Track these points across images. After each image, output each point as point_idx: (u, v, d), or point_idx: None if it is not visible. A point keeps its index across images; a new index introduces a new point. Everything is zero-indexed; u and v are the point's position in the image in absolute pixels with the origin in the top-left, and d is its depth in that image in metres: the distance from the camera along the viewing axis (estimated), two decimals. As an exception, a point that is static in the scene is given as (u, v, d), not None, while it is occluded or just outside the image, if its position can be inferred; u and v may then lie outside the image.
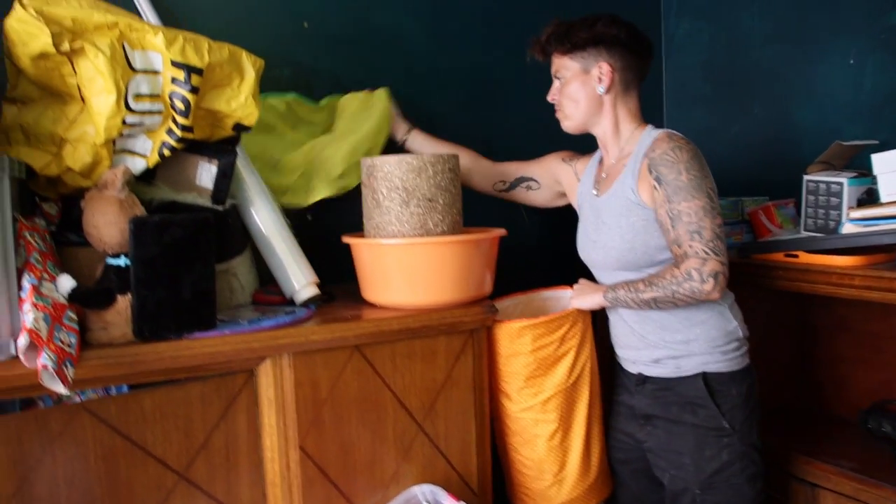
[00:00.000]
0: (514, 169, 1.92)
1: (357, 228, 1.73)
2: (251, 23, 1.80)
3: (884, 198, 1.61)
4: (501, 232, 1.68)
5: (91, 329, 1.26)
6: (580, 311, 1.69)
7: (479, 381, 1.64)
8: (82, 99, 1.32)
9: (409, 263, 1.56)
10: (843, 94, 2.01)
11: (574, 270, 1.84)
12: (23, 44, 1.26)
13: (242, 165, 1.58)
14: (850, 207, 1.68)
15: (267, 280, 1.63)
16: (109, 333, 1.27)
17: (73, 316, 1.22)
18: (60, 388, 1.10)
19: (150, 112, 1.36)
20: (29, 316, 1.12)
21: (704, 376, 1.59)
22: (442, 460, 1.60)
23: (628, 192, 1.59)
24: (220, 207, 1.50)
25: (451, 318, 1.57)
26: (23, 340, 1.09)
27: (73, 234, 1.36)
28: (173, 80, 1.37)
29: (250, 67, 1.47)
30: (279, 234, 1.58)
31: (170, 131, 1.40)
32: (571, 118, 1.69)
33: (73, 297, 1.22)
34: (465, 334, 1.61)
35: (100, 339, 1.26)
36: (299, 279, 1.57)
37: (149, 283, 1.26)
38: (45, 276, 1.21)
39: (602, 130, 1.69)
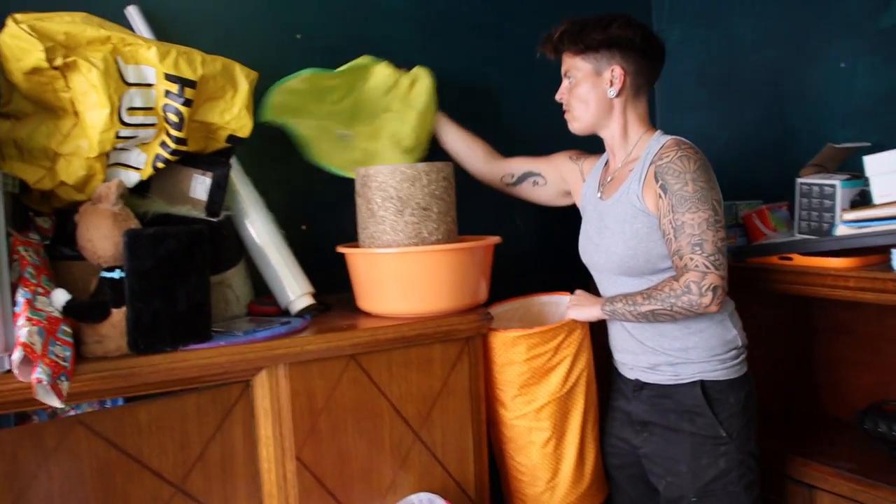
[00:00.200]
0: (523, 164, 1.90)
1: (351, 238, 1.73)
2: (244, 35, 1.80)
3: (876, 199, 1.61)
4: (496, 240, 1.69)
5: (86, 342, 1.26)
6: (577, 321, 1.68)
7: (476, 389, 1.64)
8: (76, 113, 1.33)
9: (404, 272, 1.57)
10: (834, 97, 2.01)
11: (573, 275, 1.84)
12: (16, 59, 1.27)
13: (237, 177, 1.58)
14: (844, 209, 1.68)
15: (262, 291, 1.64)
16: (104, 346, 1.27)
17: (68, 329, 1.22)
18: (55, 402, 1.10)
19: (144, 125, 1.37)
20: (23, 330, 1.12)
21: (702, 384, 1.58)
22: (439, 468, 1.60)
23: (633, 198, 1.57)
24: (214, 219, 1.50)
25: (446, 326, 1.57)
26: (17, 355, 1.09)
27: (67, 247, 1.36)
28: (167, 94, 1.37)
29: (244, 80, 1.48)
30: (274, 244, 1.59)
31: (164, 144, 1.41)
32: (580, 120, 1.67)
33: (68, 310, 1.22)
34: (461, 342, 1.61)
35: (95, 352, 1.27)
36: (294, 289, 1.58)
37: (144, 296, 1.27)
38: (40, 290, 1.21)
39: (610, 134, 1.67)
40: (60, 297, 1.22)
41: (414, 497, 1.55)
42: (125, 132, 1.34)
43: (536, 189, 1.91)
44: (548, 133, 1.82)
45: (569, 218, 1.89)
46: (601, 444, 1.77)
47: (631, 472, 1.73)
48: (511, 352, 1.63)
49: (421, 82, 1.88)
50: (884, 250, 1.59)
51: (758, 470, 1.60)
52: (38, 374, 1.08)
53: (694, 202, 1.48)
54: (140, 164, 1.42)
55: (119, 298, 1.27)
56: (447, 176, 1.64)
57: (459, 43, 2.12)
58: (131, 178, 1.41)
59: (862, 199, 1.71)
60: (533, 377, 1.64)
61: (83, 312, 1.25)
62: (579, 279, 1.83)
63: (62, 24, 1.29)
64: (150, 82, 1.37)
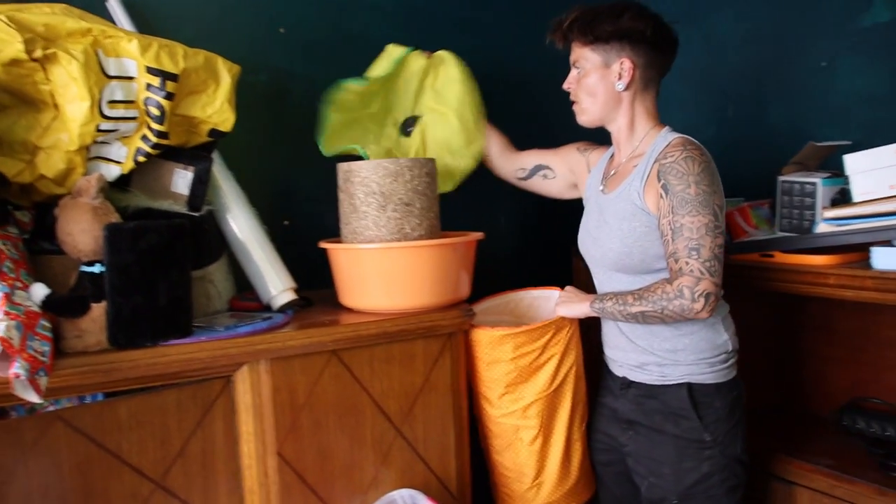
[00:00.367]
0: (534, 157, 1.89)
1: (334, 234, 1.73)
2: (227, 29, 1.79)
3: (856, 197, 1.63)
4: (478, 236, 1.69)
5: (65, 337, 1.25)
6: (566, 318, 1.68)
7: (458, 385, 1.64)
8: (56, 106, 1.31)
9: (387, 268, 1.56)
10: (816, 96, 2.03)
11: (561, 269, 1.84)
12: (-6, 51, 1.25)
13: (218, 171, 1.57)
14: (824, 207, 1.70)
15: (244, 286, 1.63)
16: (84, 341, 1.26)
17: (47, 324, 1.21)
18: (34, 398, 1.09)
19: (125, 118, 1.36)
20: (1, 325, 1.11)
21: (689, 387, 1.57)
22: (421, 464, 1.60)
23: (634, 195, 1.55)
24: (196, 214, 1.50)
25: (428, 322, 1.57)
26: (-6, 350, 1.08)
27: (46, 242, 1.34)
28: (148, 87, 1.36)
29: (226, 73, 1.47)
30: (256, 240, 1.58)
31: (145, 138, 1.40)
32: (587, 112, 1.65)
33: (47, 305, 1.21)
34: (443, 338, 1.61)
35: (74, 347, 1.26)
36: (276, 285, 1.57)
37: (124, 291, 1.26)
38: (18, 284, 1.20)
39: (617, 127, 1.65)
40: (39, 291, 1.21)
41: (395, 493, 1.55)
42: (106, 125, 1.32)
43: (547, 182, 1.89)
44: (532, 126, 1.82)
45: (556, 212, 1.88)
46: (588, 439, 1.77)
47: (617, 470, 1.73)
48: (498, 350, 1.63)
49: (447, 69, 1.86)
50: (864, 248, 1.60)
51: (744, 475, 1.60)
52: (17, 369, 1.07)
53: (695, 205, 1.46)
54: (121, 157, 1.40)
55: (99, 293, 1.26)
56: (430, 172, 1.63)
57: (442, 38, 2.11)
58: (112, 171, 1.39)
59: (842, 197, 1.73)
60: (520, 376, 1.64)
61: (63, 307, 1.24)
62: (568, 274, 1.83)
63: (41, 15, 1.28)
64: (132, 75, 1.36)
